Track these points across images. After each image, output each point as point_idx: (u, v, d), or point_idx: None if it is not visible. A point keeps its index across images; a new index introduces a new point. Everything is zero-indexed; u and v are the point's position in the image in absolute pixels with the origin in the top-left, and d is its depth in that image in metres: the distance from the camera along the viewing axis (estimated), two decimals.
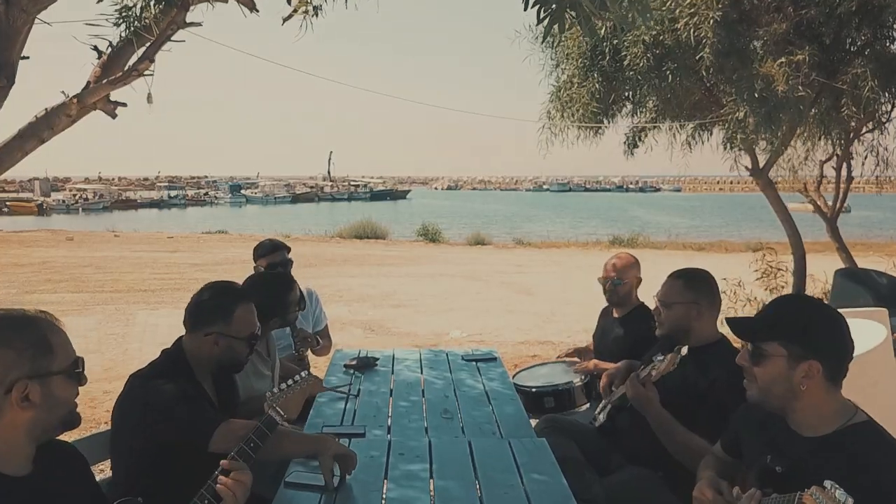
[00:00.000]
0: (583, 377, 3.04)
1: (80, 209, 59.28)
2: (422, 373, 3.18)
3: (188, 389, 1.89)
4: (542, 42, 5.99)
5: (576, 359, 3.28)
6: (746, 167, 6.56)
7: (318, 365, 4.12)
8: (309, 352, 3.42)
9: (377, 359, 3.28)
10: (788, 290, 6.64)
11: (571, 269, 15.37)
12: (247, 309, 2.13)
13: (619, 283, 3.13)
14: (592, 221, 45.17)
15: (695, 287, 2.40)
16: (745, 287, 6.88)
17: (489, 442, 2.31)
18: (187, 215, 56.63)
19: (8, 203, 57.16)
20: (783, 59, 5.17)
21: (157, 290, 11.58)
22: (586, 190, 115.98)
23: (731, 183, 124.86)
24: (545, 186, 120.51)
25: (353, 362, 3.19)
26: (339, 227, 25.89)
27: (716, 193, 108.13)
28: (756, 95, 5.15)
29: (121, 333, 8.15)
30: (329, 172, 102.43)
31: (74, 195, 65.66)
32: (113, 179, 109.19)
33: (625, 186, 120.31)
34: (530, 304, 10.25)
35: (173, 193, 78.13)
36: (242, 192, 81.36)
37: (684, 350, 2.15)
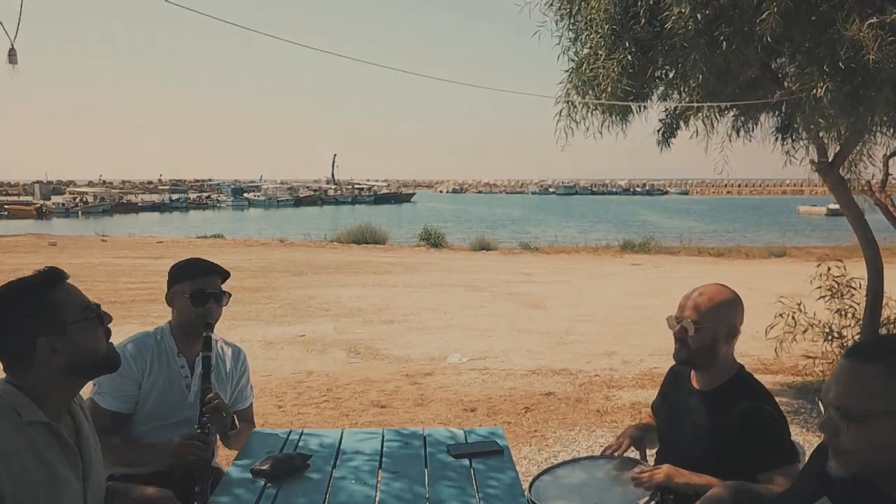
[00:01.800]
0: (648, 495, 1.79)
1: (80, 212, 58.61)
2: (378, 480, 1.97)
3: None
4: None
5: (633, 456, 1.99)
6: (812, 161, 5.31)
7: (225, 456, 2.66)
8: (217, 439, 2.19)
9: (308, 457, 2.02)
10: (860, 312, 5.41)
11: (584, 277, 14.13)
12: None
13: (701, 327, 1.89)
14: (601, 225, 44.05)
15: None
16: (804, 308, 5.64)
17: None
18: (188, 219, 55.89)
19: (7, 206, 56.83)
20: (874, 20, 3.96)
21: (127, 301, 10.47)
22: (593, 193, 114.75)
23: (739, 186, 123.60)
24: (551, 190, 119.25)
25: (266, 466, 1.93)
26: (338, 231, 24.82)
27: (724, 197, 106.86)
28: (841, 66, 3.94)
29: None
30: (333, 175, 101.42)
31: (74, 198, 65.08)
32: (115, 183, 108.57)
33: (631, 189, 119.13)
34: (541, 321, 9.04)
35: (175, 196, 77.71)
36: (245, 195, 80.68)
37: None
